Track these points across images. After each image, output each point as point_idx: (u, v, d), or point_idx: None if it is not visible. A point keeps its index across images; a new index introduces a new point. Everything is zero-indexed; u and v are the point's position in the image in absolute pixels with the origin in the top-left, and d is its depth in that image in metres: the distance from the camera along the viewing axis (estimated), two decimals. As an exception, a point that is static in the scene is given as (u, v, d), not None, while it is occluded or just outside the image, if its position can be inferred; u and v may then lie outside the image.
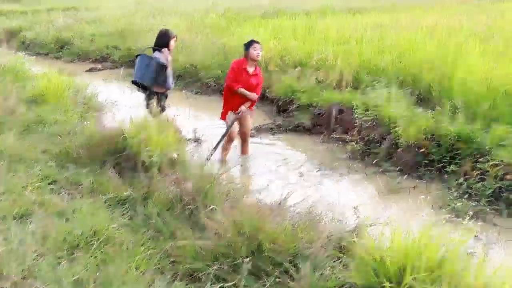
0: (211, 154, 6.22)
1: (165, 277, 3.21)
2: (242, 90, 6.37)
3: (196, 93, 11.14)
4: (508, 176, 5.39)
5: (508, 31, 10.36)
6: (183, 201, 4.16)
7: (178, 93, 11.02)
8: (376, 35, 11.16)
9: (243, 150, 6.91)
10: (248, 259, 3.20)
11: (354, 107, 7.48)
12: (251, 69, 6.44)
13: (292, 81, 9.25)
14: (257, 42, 6.41)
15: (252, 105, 6.63)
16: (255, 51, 6.33)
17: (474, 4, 19.48)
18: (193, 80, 11.65)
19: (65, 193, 4.46)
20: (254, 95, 6.43)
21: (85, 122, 6.57)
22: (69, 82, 8.79)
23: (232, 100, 6.51)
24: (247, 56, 6.41)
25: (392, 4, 21.17)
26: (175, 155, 5.16)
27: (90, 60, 16.12)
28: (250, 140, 7.14)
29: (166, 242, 3.63)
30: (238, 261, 3.25)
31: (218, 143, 6.48)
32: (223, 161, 6.61)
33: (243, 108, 6.46)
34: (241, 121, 6.66)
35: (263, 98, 9.36)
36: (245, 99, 6.44)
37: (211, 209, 3.92)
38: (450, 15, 14.41)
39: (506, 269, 3.00)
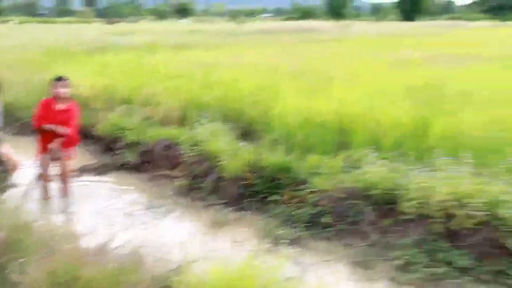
0: (25, 199, 5.83)
1: None
2: (48, 126, 6.15)
3: (14, 134, 10.34)
4: (321, 202, 5.85)
5: (317, 70, 11.39)
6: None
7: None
8: (202, 71, 11.50)
9: (64, 192, 6.58)
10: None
11: (181, 143, 7.57)
12: (60, 106, 6.27)
13: (119, 119, 9.08)
14: (60, 80, 6.27)
15: (70, 144, 6.38)
16: (57, 89, 6.21)
17: (288, 45, 21.10)
18: (12, 120, 10.83)
19: None
20: (63, 129, 6.19)
21: None
22: None
23: (43, 139, 6.26)
24: (53, 93, 6.25)
25: (216, 43, 22.06)
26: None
27: None
28: (74, 180, 6.84)
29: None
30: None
31: (31, 186, 6.13)
32: (42, 205, 6.24)
33: (53, 146, 6.19)
34: (58, 161, 6.37)
35: (87, 137, 9.05)
36: (56, 136, 6.18)
37: (24, 261, 3.64)
38: (267, 55, 15.41)
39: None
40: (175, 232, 5.75)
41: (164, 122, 8.89)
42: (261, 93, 8.84)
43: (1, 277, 3.57)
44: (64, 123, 6.22)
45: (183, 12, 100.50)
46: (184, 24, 56.09)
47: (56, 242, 4.20)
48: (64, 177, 6.51)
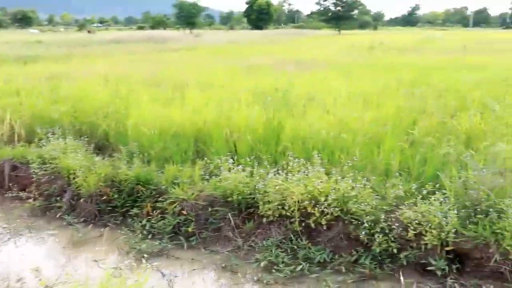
0: None
1: None
2: None
3: None
4: (183, 211, 5.83)
5: (171, 79, 11.39)
6: None
7: None
8: (49, 85, 10.87)
9: None
10: None
11: (30, 161, 7.07)
12: None
13: (-47, 141, 8.20)
14: None
15: None
16: None
17: (140, 54, 20.84)
18: None
19: None
20: None
21: None
22: None
23: None
24: None
25: (65, 54, 21.09)
26: None
27: None
28: None
29: None
30: None
31: None
32: None
33: None
34: None
35: None
36: None
37: None
38: (120, 65, 15.07)
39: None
40: (28, 257, 5.33)
41: (9, 140, 8.24)
42: (115, 105, 8.59)
43: None
44: None
45: (24, 21, 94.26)
46: (31, 34, 52.68)
47: None
48: None
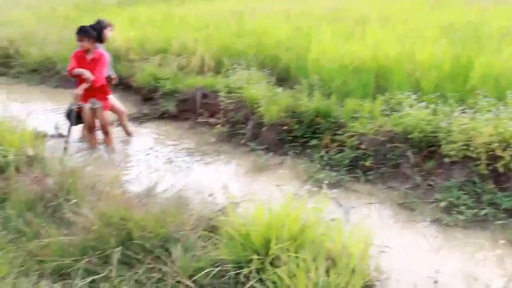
0: (66, 148, 5.99)
1: (30, 278, 3.04)
2: (77, 70, 6.16)
3: (55, 87, 10.52)
4: (362, 145, 5.81)
5: (354, 12, 11.10)
6: (45, 199, 3.96)
7: (33, 88, 10.47)
8: (234, 20, 11.35)
9: (105, 141, 6.71)
10: (118, 249, 3.14)
11: (218, 90, 7.56)
12: (89, 56, 6.33)
13: (154, 69, 9.11)
14: (79, 35, 6.28)
15: (104, 94, 6.47)
16: (80, 43, 6.26)
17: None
18: (51, 74, 10.99)
19: None
20: (88, 74, 6.11)
21: None
22: None
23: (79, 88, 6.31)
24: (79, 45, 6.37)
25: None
26: (30, 152, 4.87)
27: None
28: (118, 129, 7.14)
29: (29, 243, 3.43)
30: (108, 252, 3.18)
31: (67, 135, 6.30)
32: (90, 152, 6.40)
33: (75, 91, 6.24)
34: (94, 113, 6.45)
35: (127, 87, 9.19)
36: (84, 84, 6.23)
37: (75, 203, 3.76)
38: (299, 0, 15.05)
39: (360, 229, 3.26)
40: (217, 176, 5.81)
41: (199, 71, 8.90)
42: (296, 39, 8.70)
43: (58, 217, 3.71)
44: (93, 72, 6.23)
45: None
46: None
47: (104, 186, 4.32)
48: (102, 128, 6.60)
